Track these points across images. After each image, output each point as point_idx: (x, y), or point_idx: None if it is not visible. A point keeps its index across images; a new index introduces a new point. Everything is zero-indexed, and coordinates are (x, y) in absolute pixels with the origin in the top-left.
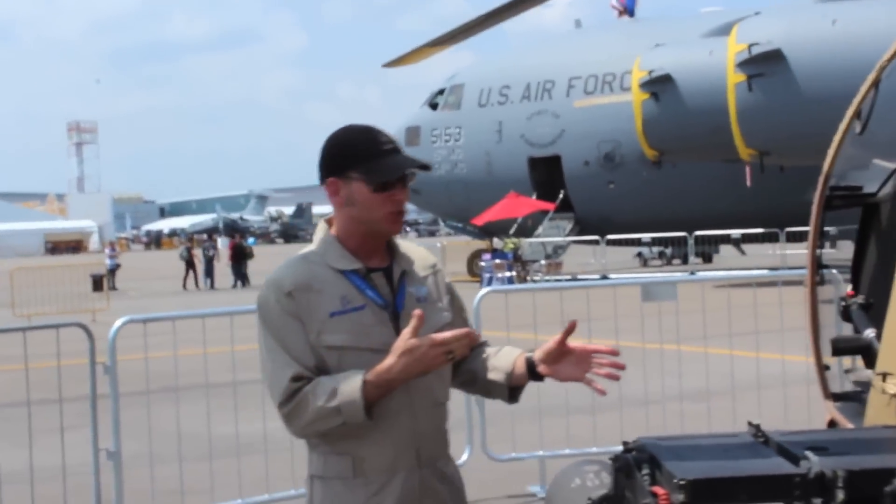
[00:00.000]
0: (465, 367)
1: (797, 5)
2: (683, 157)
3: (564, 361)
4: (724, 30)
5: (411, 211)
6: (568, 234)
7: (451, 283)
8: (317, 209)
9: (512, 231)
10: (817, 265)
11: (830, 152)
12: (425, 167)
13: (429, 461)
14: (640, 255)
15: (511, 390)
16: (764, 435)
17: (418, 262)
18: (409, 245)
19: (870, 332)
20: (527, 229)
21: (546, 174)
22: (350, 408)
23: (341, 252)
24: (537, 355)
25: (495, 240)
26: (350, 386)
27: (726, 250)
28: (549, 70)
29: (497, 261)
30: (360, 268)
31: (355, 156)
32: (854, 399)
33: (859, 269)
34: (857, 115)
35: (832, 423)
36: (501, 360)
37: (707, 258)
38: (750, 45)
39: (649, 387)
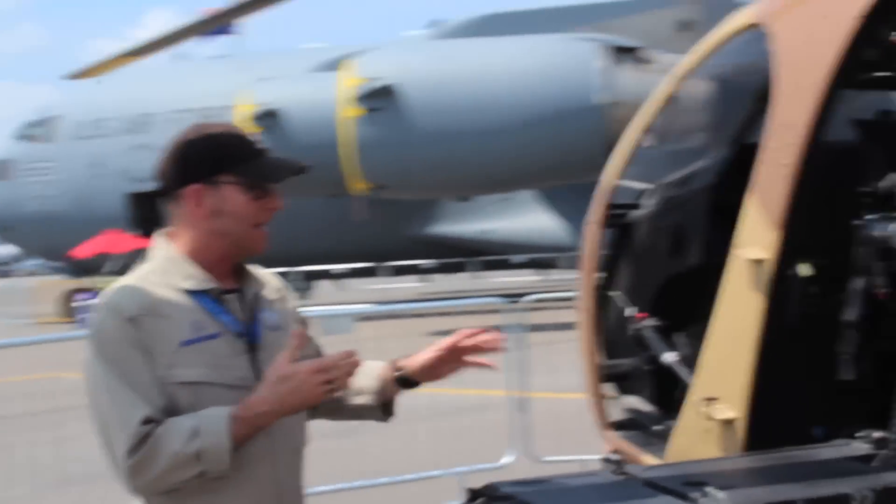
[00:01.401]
0: None
1: (411, 41)
2: (291, 192)
3: (440, 363)
4: (333, 65)
5: None
6: None
7: (299, 310)
8: None
9: (109, 269)
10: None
11: (612, 169)
12: (304, 170)
13: None
14: None
15: (384, 406)
16: (625, 471)
17: (268, 285)
18: (255, 267)
19: (670, 356)
20: (127, 268)
21: (151, 210)
22: (214, 453)
23: (189, 270)
24: (413, 369)
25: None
26: (214, 425)
27: (323, 285)
28: (149, 103)
29: (95, 300)
30: (214, 288)
31: (230, 156)
32: (634, 427)
33: (620, 289)
34: (649, 129)
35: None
36: (364, 380)
37: (303, 294)
38: (366, 80)
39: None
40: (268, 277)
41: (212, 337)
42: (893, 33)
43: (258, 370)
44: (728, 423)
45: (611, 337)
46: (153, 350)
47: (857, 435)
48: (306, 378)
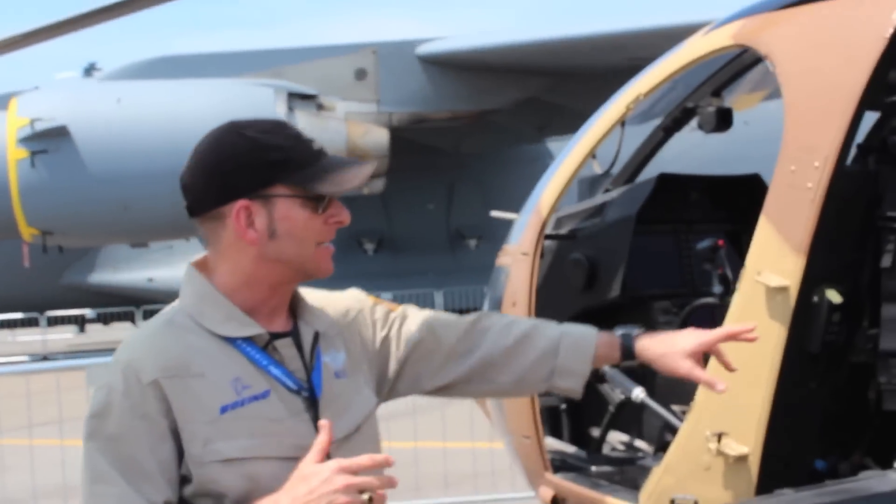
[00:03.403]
0: (493, 377)
1: (82, 82)
2: None
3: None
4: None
5: None
6: None
7: (386, 313)
8: None
9: None
10: None
11: (547, 197)
12: (369, 171)
13: None
14: None
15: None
16: None
17: (330, 313)
18: (313, 292)
19: (639, 392)
20: None
21: None
22: None
23: (228, 311)
24: (650, 355)
25: None
26: None
27: None
28: None
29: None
30: (261, 333)
31: (283, 162)
32: (575, 469)
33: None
34: (594, 155)
35: (556, 500)
36: (572, 360)
37: None
38: (33, 121)
39: None
40: (328, 302)
41: (259, 397)
42: None
43: None
44: (740, 459)
45: None
46: (183, 421)
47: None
48: (330, 478)
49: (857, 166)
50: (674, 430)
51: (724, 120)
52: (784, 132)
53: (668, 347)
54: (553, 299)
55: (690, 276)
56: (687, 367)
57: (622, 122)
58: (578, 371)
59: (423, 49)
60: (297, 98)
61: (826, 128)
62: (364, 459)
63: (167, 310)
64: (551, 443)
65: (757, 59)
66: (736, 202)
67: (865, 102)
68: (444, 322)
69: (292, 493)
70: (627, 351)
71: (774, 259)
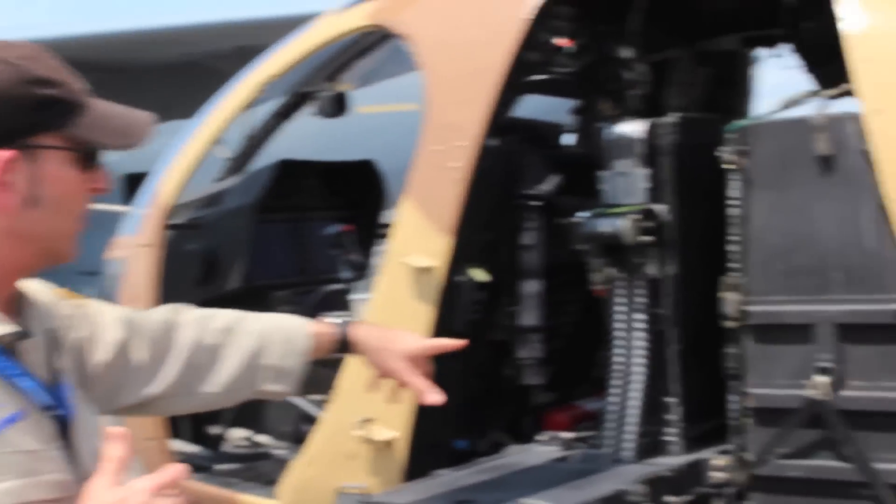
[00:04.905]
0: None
1: None
2: None
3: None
4: None
5: None
6: None
7: (75, 307)
8: None
9: None
10: None
11: (168, 185)
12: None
13: None
14: None
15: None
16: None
17: (52, 311)
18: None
19: None
20: None
21: None
22: None
23: None
24: (366, 347)
25: None
26: None
27: None
28: None
29: None
30: (9, 332)
31: (55, 102)
32: (202, 470)
33: None
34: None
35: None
36: (283, 357)
37: None
38: None
39: None
40: (44, 297)
41: (13, 419)
42: (555, 37)
43: (79, 468)
44: (387, 444)
45: None
46: None
47: (538, 439)
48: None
49: (497, 145)
50: (311, 421)
51: (340, 106)
52: (426, 113)
53: (388, 344)
54: (171, 293)
55: (310, 263)
56: (401, 369)
57: (252, 105)
58: (290, 370)
59: None
60: None
61: (469, 108)
62: (174, 472)
63: None
64: (173, 444)
65: (378, 41)
66: (350, 188)
67: (510, 83)
68: (140, 317)
69: None
70: (344, 342)
71: (420, 240)
